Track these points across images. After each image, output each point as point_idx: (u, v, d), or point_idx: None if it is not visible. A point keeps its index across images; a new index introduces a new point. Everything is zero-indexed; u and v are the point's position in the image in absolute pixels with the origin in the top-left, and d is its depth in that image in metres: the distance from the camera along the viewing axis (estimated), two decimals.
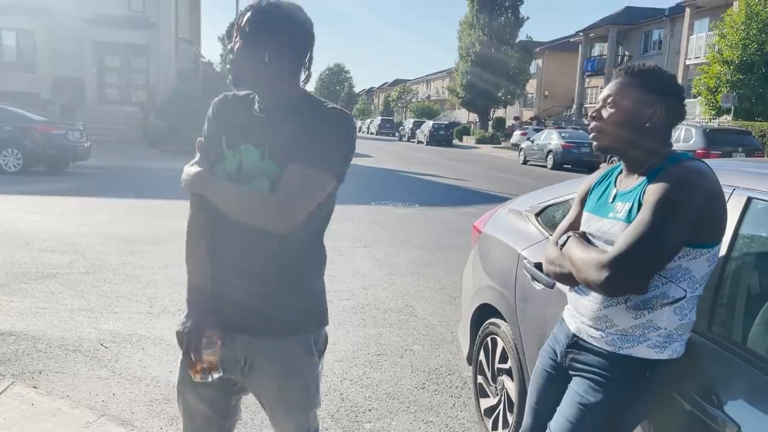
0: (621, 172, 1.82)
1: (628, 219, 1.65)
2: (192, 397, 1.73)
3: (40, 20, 23.91)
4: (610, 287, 1.60)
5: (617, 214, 1.71)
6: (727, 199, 1.83)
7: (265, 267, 1.62)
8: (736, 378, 1.64)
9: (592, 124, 1.78)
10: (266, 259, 1.61)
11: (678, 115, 1.74)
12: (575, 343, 1.80)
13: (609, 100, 1.74)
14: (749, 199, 1.80)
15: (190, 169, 1.63)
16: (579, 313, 1.80)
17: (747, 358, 1.64)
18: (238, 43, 1.58)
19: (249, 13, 1.56)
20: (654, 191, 1.59)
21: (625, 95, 1.72)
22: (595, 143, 1.79)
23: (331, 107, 1.61)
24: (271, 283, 1.63)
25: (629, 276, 1.57)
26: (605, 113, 1.74)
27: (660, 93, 1.70)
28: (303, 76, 1.65)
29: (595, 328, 1.73)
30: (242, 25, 1.57)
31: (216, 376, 1.62)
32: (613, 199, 1.76)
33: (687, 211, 1.55)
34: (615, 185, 1.79)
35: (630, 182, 1.73)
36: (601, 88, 37.98)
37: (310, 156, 1.52)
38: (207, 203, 1.60)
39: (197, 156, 1.66)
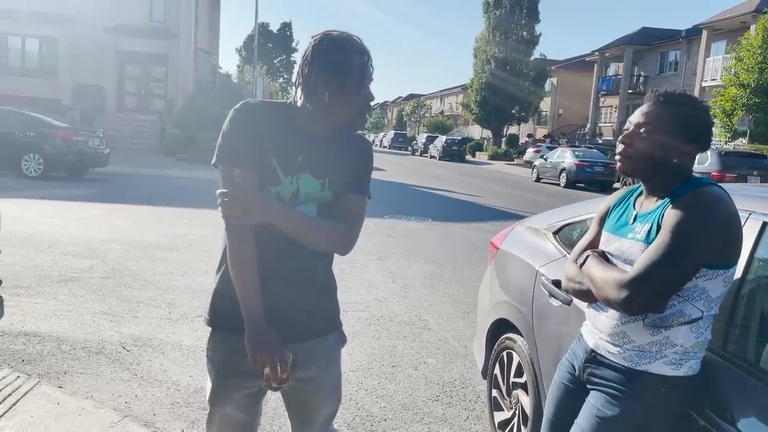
0: (641, 193, 1.88)
1: (647, 240, 1.71)
2: (232, 408, 1.80)
3: (63, 28, 24.39)
4: (629, 306, 1.66)
5: (636, 235, 1.77)
6: (743, 223, 1.90)
7: (313, 279, 1.77)
8: (749, 396, 1.70)
9: (621, 147, 1.81)
10: (314, 273, 1.77)
11: (704, 150, 1.79)
12: (593, 358, 1.87)
13: (642, 129, 1.77)
14: (765, 224, 1.87)
15: (245, 196, 1.56)
16: (597, 329, 1.87)
17: (760, 377, 1.70)
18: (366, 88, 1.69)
19: (368, 60, 1.67)
20: (673, 215, 1.65)
21: (661, 129, 1.74)
22: (619, 165, 1.84)
23: (357, 134, 1.80)
24: (317, 293, 1.78)
25: (648, 296, 1.63)
26: (637, 141, 1.77)
27: (695, 134, 1.75)
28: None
29: (613, 344, 1.80)
30: (368, 70, 1.68)
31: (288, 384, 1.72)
32: (634, 220, 1.82)
33: (705, 236, 1.61)
34: (634, 207, 1.86)
35: (649, 204, 1.80)
36: (615, 107, 38.02)
37: (360, 186, 1.75)
38: (249, 227, 1.62)
39: (236, 179, 1.60)
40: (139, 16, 25.13)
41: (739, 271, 1.84)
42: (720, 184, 1.80)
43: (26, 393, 3.33)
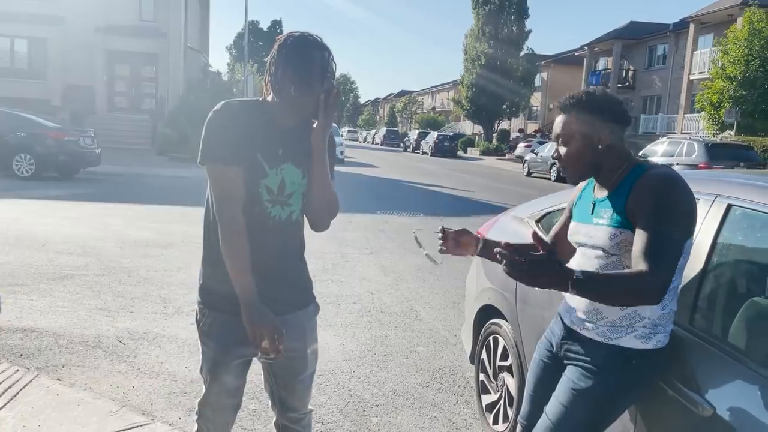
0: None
1: (611, 224, 1.84)
2: (229, 376, 1.98)
3: (53, 29, 24.27)
4: (657, 293, 1.66)
5: (600, 220, 1.90)
6: (709, 206, 2.02)
7: (293, 261, 1.98)
8: (716, 368, 1.81)
9: (557, 163, 1.97)
10: (294, 255, 1.98)
11: (623, 125, 1.91)
12: (570, 335, 1.98)
13: (559, 140, 1.93)
14: (729, 206, 1.97)
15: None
16: (573, 307, 1.98)
17: (725, 349, 1.81)
18: (322, 83, 1.79)
19: (328, 55, 1.80)
20: (644, 201, 1.75)
21: (569, 131, 1.90)
22: (567, 178, 1.99)
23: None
24: (297, 271, 2.00)
25: (665, 277, 1.67)
26: (562, 151, 1.93)
27: (598, 115, 1.87)
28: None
29: (587, 321, 1.91)
30: (328, 64, 1.80)
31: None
32: (593, 207, 1.95)
33: (681, 209, 1.74)
34: (593, 194, 1.99)
35: (604, 192, 1.93)
36: None
37: (331, 174, 1.97)
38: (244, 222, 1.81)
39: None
40: (128, 15, 25.04)
41: (705, 251, 1.95)
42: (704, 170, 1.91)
43: (26, 385, 3.41)
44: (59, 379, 3.58)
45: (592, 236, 1.91)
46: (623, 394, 1.87)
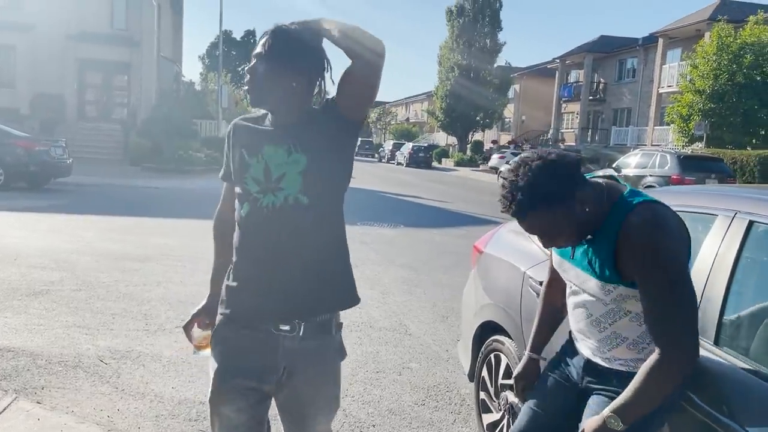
0: None
1: (602, 277, 1.76)
2: (230, 409, 1.78)
3: (22, 36, 23.73)
4: (689, 367, 1.66)
5: (586, 264, 1.81)
6: (729, 222, 1.98)
7: (305, 248, 1.81)
8: (744, 389, 1.75)
9: (562, 247, 1.90)
10: (304, 241, 1.81)
11: (578, 174, 1.73)
12: (592, 368, 1.93)
13: (541, 237, 1.80)
14: (751, 223, 1.93)
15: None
16: (588, 345, 1.93)
17: (751, 369, 1.76)
18: (260, 68, 1.71)
19: (269, 40, 1.71)
20: (640, 262, 1.65)
21: (547, 229, 1.76)
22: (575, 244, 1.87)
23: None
24: (311, 260, 1.86)
25: (691, 347, 1.65)
26: (553, 241, 1.82)
27: (558, 197, 1.69)
28: (315, 93, 1.81)
29: (603, 359, 1.89)
30: (265, 51, 1.70)
31: (204, 354, 1.95)
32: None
33: (676, 249, 1.68)
34: None
35: None
36: (577, 114, 38.81)
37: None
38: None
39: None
40: (100, 23, 24.63)
41: (727, 269, 1.91)
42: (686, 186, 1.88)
43: (4, 409, 3.22)
44: (39, 402, 3.40)
45: (583, 282, 1.84)
46: (650, 421, 1.80)
